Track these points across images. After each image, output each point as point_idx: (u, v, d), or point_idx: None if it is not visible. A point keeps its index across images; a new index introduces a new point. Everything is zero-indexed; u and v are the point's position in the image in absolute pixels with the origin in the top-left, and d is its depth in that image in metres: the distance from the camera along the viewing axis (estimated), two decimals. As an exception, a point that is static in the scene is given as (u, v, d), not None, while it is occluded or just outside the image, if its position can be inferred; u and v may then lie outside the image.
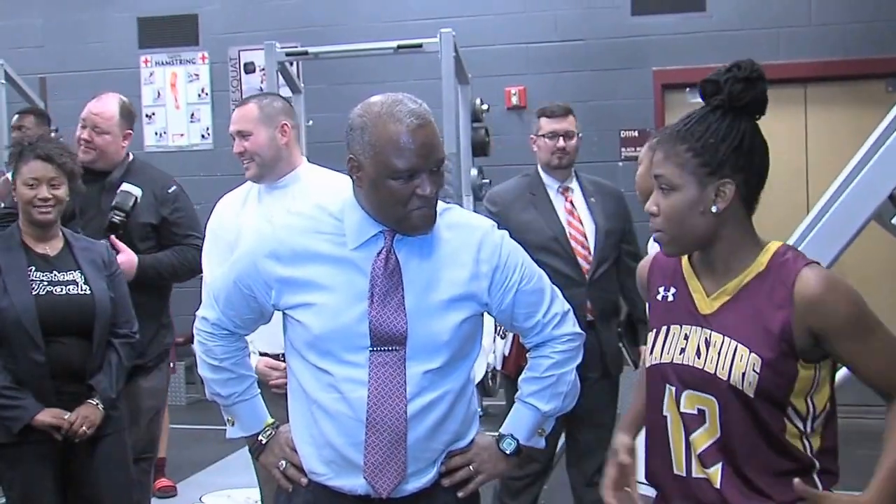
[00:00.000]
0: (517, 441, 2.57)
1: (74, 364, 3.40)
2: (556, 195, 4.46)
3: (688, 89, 8.21)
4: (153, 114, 9.33)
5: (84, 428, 3.56)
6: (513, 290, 2.58)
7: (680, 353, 2.13)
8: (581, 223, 4.40)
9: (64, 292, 3.66)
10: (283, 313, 2.61)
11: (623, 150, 8.30)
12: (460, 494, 2.51)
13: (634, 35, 8.31)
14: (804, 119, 8.26)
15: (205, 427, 4.77)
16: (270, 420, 2.69)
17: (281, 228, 2.63)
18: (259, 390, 2.79)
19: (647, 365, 2.25)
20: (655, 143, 2.27)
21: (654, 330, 2.22)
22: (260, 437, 2.68)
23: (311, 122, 7.42)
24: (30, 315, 3.54)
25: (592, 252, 4.33)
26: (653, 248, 3.16)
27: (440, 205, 2.58)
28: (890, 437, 2.07)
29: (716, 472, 2.10)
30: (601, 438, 4.11)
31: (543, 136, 4.43)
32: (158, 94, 9.34)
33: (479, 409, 2.56)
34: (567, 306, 2.69)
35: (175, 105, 9.31)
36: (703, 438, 2.12)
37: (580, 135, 4.58)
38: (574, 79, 8.29)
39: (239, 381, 2.74)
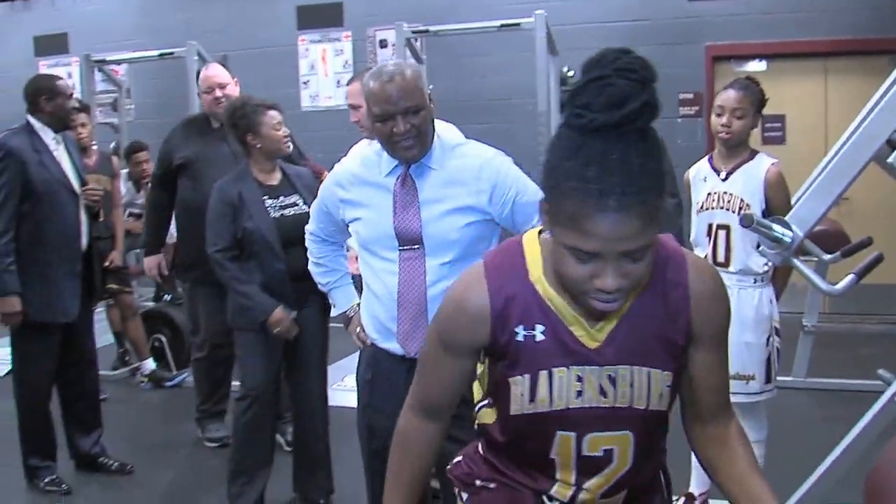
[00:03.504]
0: None
1: (302, 268, 3.52)
2: None
3: (732, 60, 8.76)
4: (308, 81, 9.99)
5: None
6: (510, 202, 2.85)
7: (577, 397, 1.66)
8: None
9: (291, 213, 4.05)
10: (348, 224, 3.03)
11: (680, 108, 8.83)
12: None
13: (691, 17, 8.76)
14: (824, 87, 8.67)
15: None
16: (357, 301, 3.15)
17: (344, 164, 3.06)
18: (352, 281, 3.28)
19: (514, 413, 1.70)
20: None
21: (523, 375, 1.66)
22: (348, 313, 3.21)
23: (431, 87, 8.37)
24: (272, 233, 3.95)
25: None
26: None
27: (456, 141, 2.93)
28: (747, 477, 1.74)
29: (619, 498, 1.80)
30: None
31: None
32: (312, 66, 9.99)
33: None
34: None
35: (325, 74, 9.95)
36: (608, 477, 1.74)
37: None
38: (641, 51, 8.91)
39: (332, 273, 3.28)
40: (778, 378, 5.48)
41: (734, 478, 1.76)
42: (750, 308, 3.72)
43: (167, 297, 7.74)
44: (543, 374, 1.66)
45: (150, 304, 7.81)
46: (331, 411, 4.46)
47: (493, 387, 1.76)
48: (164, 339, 6.80)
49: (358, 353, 3.21)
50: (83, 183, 4.69)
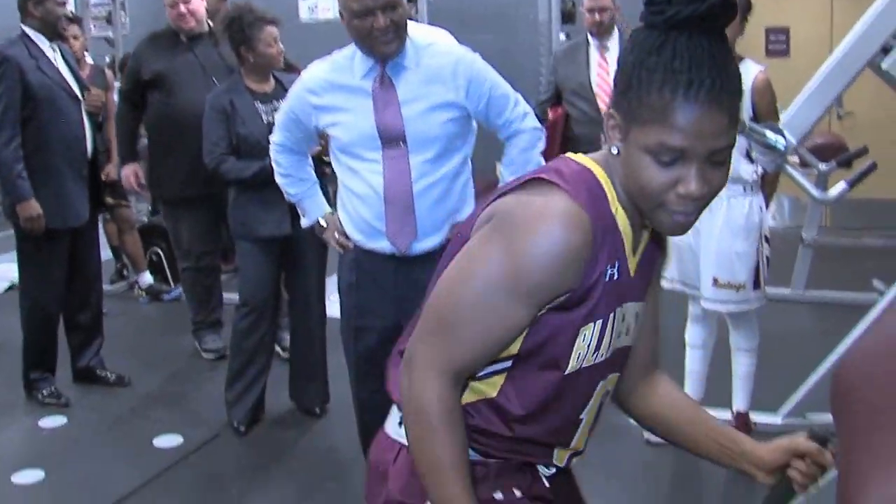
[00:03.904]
0: None
1: None
2: (594, 52, 5.11)
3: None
4: (307, -8, 9.97)
5: None
6: (486, 96, 2.92)
7: (618, 338, 1.53)
8: (608, 75, 4.96)
9: None
10: (320, 131, 3.07)
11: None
12: None
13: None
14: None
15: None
16: (329, 210, 3.20)
17: (312, 70, 3.06)
18: (320, 191, 3.30)
19: (570, 370, 1.49)
20: None
21: (596, 322, 1.47)
22: (321, 222, 3.23)
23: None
24: (266, 138, 3.76)
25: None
26: None
27: (427, 40, 2.98)
28: (704, 417, 1.68)
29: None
30: None
31: (586, 9, 5.11)
32: (311, -24, 10.01)
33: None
34: (529, 108, 3.04)
35: (323, -14, 9.95)
36: (590, 423, 1.63)
37: (617, 4, 5.04)
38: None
39: (301, 183, 3.29)
40: (776, 291, 5.53)
41: (695, 421, 1.68)
42: (740, 216, 3.73)
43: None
44: (613, 316, 1.49)
45: (147, 218, 7.75)
46: (328, 322, 4.53)
47: (538, 344, 1.47)
48: (161, 252, 6.82)
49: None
50: (84, 90, 4.77)
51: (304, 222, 3.37)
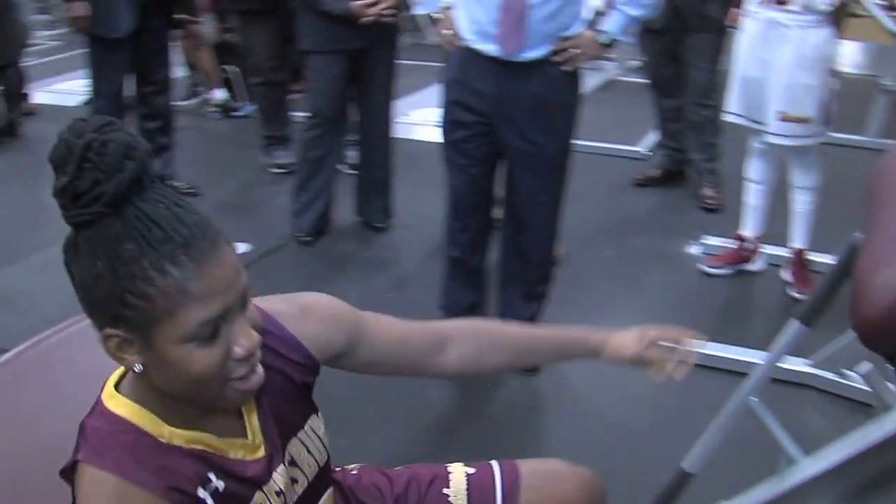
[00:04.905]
0: (611, 36, 3.01)
1: None
2: None
3: None
4: None
5: None
6: None
7: (294, 485, 1.39)
8: None
9: None
10: None
11: None
12: (566, 68, 2.96)
13: None
14: None
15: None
16: (445, 4, 3.14)
17: None
18: None
19: None
20: None
21: None
22: (434, 15, 3.24)
23: None
24: None
25: None
26: None
27: None
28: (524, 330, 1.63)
29: None
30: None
31: None
32: None
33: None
34: None
35: None
36: None
37: None
38: None
39: None
40: (849, 137, 5.44)
41: (531, 336, 1.63)
42: (810, 47, 3.63)
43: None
44: (263, 492, 1.32)
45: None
46: (395, 142, 4.63)
47: None
48: (234, 69, 6.85)
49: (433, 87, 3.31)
50: None
51: (419, 9, 3.45)
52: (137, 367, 1.17)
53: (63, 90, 6.48)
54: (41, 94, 7.48)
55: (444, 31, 3.11)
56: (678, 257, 4.35)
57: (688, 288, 4.05)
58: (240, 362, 1.18)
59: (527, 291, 3.34)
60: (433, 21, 3.29)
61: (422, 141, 5.84)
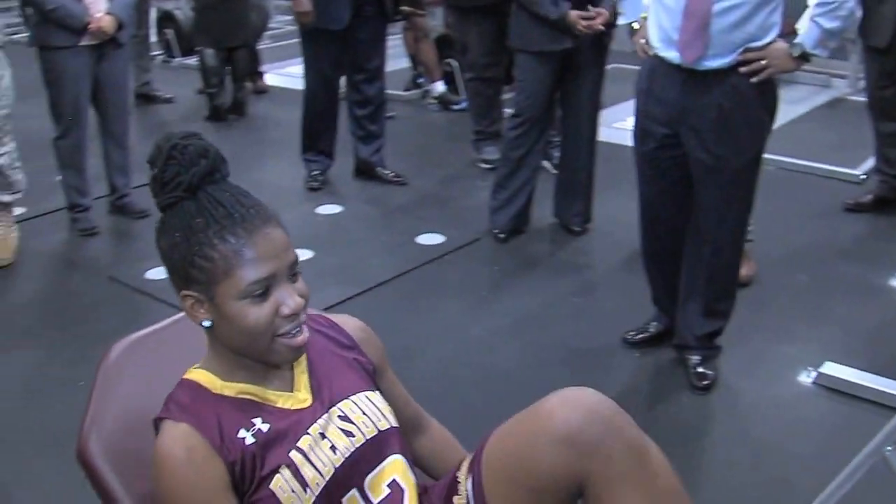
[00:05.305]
0: (804, 48, 2.86)
1: None
2: None
3: None
4: None
5: None
6: None
7: (334, 452, 1.53)
8: None
9: None
10: None
11: None
12: (754, 80, 2.84)
13: None
14: None
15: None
16: (644, 13, 3.12)
17: None
18: None
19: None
20: None
21: (281, 472, 1.48)
22: (633, 25, 3.22)
23: None
24: None
25: None
26: None
27: None
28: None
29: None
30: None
31: None
32: None
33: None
34: None
35: None
36: (412, 500, 1.62)
37: None
38: None
39: None
40: None
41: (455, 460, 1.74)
42: None
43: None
44: (296, 455, 1.50)
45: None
46: (601, 147, 4.56)
47: None
48: (455, 63, 6.89)
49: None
50: None
51: (621, 20, 3.50)
52: (207, 323, 1.47)
53: (294, 73, 6.71)
54: (272, 77, 7.80)
55: (640, 40, 3.09)
56: (879, 289, 4.00)
57: (883, 322, 3.72)
58: (286, 319, 1.45)
59: (707, 308, 3.18)
60: (631, 31, 3.24)
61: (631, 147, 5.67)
